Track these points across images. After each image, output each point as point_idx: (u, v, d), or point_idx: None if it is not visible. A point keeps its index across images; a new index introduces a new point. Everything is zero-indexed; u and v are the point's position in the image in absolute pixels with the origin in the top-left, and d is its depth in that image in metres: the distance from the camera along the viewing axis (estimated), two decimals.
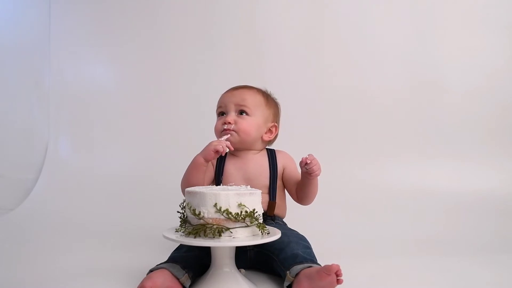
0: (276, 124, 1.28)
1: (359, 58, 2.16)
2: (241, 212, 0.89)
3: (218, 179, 1.23)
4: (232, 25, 2.24)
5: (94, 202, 2.02)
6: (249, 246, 1.04)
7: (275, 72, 2.15)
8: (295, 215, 1.29)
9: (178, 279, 0.94)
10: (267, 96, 1.28)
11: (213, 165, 1.25)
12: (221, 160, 1.24)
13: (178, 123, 2.22)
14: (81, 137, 2.31)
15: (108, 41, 2.33)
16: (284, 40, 2.20)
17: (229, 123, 1.20)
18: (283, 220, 1.27)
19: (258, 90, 1.28)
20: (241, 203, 0.89)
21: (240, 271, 0.99)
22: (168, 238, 0.92)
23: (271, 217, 1.20)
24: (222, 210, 0.88)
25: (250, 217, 0.90)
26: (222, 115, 1.25)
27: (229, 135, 1.19)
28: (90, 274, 1.11)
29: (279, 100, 1.33)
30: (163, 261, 1.00)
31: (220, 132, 1.22)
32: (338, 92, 2.14)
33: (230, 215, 0.88)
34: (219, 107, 1.27)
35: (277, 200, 1.21)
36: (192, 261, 0.99)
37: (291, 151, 1.30)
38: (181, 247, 1.05)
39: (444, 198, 1.89)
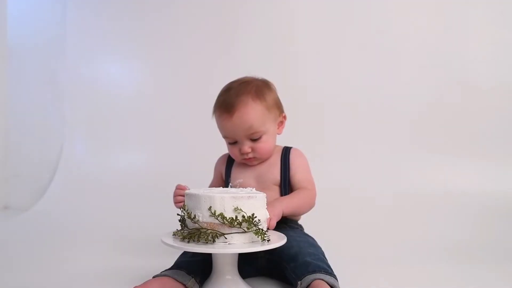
0: (283, 113, 1.20)
1: (385, 57, 2.05)
2: (237, 216, 0.82)
3: (226, 178, 1.19)
4: (249, 25, 2.18)
5: (108, 201, 2.01)
6: (260, 253, 0.98)
7: (310, 72, 2.06)
8: (312, 219, 1.21)
9: (184, 284, 0.89)
10: (264, 97, 1.14)
11: (224, 162, 1.21)
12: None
13: (195, 123, 2.17)
14: (96, 136, 2.30)
15: (123, 39, 2.32)
16: (310, 38, 2.12)
17: (248, 153, 1.14)
18: (299, 223, 1.19)
19: (253, 98, 1.12)
20: (237, 207, 0.82)
21: None
22: (164, 242, 0.87)
23: (283, 220, 1.11)
24: (216, 214, 0.81)
25: (247, 222, 0.83)
26: (233, 143, 1.16)
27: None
28: (98, 278, 1.08)
29: (288, 90, 1.26)
30: (169, 267, 0.95)
31: (241, 161, 1.18)
32: (362, 92, 2.05)
33: (224, 220, 0.81)
34: (225, 136, 1.17)
35: None
36: (199, 266, 0.94)
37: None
38: (187, 251, 0.99)
39: (474, 201, 1.77)
